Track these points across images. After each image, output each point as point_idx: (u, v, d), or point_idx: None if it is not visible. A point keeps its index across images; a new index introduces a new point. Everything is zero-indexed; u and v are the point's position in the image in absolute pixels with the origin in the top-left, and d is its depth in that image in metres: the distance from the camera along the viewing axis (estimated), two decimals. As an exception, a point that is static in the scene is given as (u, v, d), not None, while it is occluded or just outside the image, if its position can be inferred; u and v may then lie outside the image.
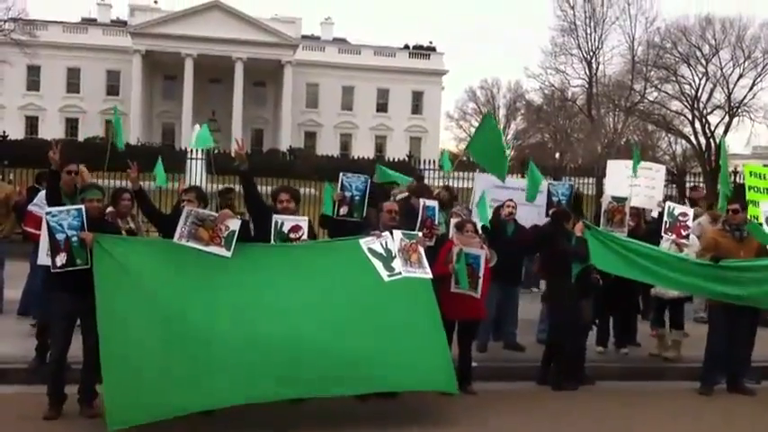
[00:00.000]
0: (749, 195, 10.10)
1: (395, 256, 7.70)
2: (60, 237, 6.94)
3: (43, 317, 8.27)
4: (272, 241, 7.56)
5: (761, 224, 9.29)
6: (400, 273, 7.65)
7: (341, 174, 8.98)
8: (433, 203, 9.10)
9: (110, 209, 9.63)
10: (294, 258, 7.50)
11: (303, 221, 7.77)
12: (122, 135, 12.79)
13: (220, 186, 12.55)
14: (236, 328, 6.89)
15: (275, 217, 7.66)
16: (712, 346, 9.12)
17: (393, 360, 7.21)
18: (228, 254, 7.09)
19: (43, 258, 7.36)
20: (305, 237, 7.67)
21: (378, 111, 68.93)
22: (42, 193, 9.31)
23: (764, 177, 10.36)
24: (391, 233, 7.83)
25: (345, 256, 7.65)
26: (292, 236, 7.61)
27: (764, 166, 12.44)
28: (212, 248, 7.08)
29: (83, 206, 7.06)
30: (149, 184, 11.95)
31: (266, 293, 7.15)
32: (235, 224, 7.19)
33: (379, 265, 7.62)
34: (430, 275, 7.82)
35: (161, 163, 12.57)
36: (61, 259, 6.94)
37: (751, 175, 10.39)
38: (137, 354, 6.66)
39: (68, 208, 7.07)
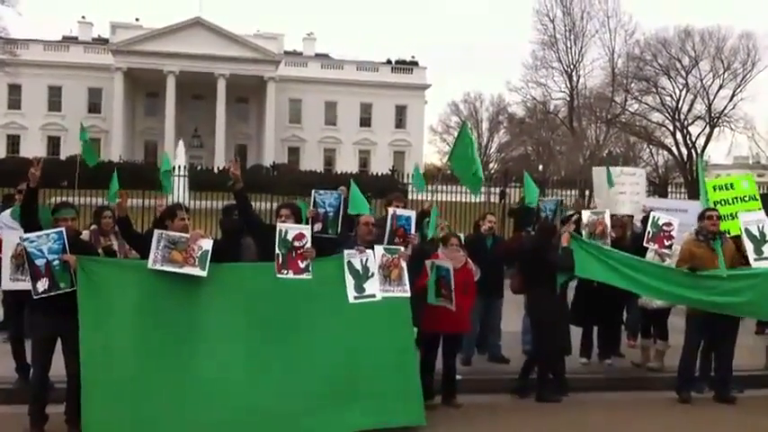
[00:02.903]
0: (720, 210, 9.99)
1: (371, 275, 7.69)
2: (40, 262, 6.81)
3: (14, 336, 8.38)
4: (277, 250, 7.47)
5: (738, 236, 9.34)
6: (374, 295, 7.64)
7: (313, 191, 8.95)
8: (408, 213, 8.74)
9: (92, 226, 9.63)
10: (272, 282, 7.43)
11: (306, 230, 7.71)
12: (92, 153, 12.54)
13: (202, 203, 12.43)
14: (213, 359, 7.00)
15: (279, 225, 7.67)
16: (687, 356, 9.20)
17: (359, 399, 7.32)
18: (203, 273, 7.06)
19: (7, 283, 7.22)
20: (308, 245, 7.60)
21: (361, 125, 68.82)
22: (6, 213, 9.13)
23: (729, 187, 10.22)
24: (372, 248, 7.80)
25: (323, 278, 7.60)
26: (297, 244, 7.53)
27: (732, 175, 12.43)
28: (187, 269, 7.03)
29: (63, 229, 6.96)
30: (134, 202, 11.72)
31: (244, 325, 7.21)
32: (207, 244, 7.16)
33: (350, 283, 7.62)
34: (408, 294, 7.80)
35: (116, 178, 12.07)
36: (43, 285, 6.82)
37: (714, 189, 10.24)
38: (117, 379, 6.67)
39: (47, 232, 6.93)
